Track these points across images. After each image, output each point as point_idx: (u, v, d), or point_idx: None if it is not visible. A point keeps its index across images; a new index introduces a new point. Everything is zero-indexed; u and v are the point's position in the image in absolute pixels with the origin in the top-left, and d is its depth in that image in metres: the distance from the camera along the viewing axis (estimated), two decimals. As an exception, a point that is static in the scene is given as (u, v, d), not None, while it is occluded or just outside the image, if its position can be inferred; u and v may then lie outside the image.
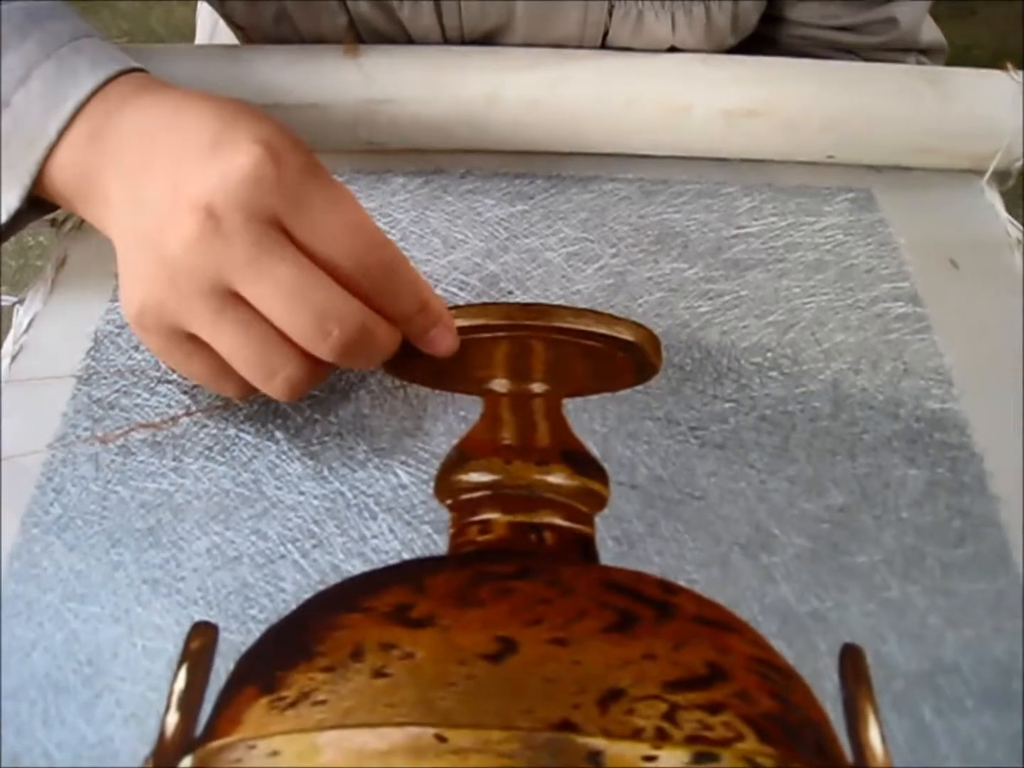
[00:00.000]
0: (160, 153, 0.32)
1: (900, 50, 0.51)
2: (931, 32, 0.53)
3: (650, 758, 0.27)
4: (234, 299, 0.30)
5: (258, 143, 0.30)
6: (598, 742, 0.27)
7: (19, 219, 0.37)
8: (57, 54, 0.35)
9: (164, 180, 0.31)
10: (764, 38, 0.51)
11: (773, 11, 0.50)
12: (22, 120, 0.34)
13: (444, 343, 0.35)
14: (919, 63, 0.53)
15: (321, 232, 0.30)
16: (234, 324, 0.31)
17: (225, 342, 0.31)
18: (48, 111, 0.34)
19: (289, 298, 0.30)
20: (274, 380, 0.32)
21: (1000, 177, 0.46)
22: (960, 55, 0.56)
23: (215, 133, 0.31)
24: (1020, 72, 0.45)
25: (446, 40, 0.47)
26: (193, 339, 0.32)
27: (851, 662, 0.30)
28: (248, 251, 0.29)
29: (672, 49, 0.47)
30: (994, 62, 0.46)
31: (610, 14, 0.46)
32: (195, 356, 0.32)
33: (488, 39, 0.47)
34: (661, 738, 0.27)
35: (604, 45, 0.47)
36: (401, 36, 0.47)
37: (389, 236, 0.42)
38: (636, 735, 0.27)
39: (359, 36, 0.47)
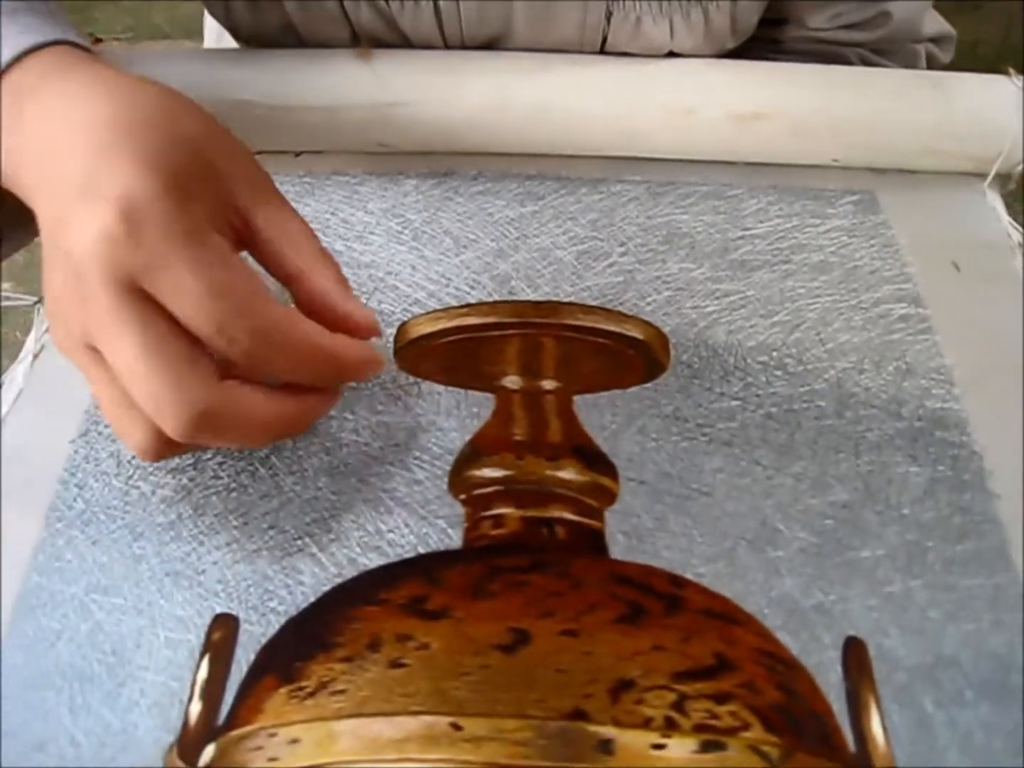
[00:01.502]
0: (53, 170, 0.30)
1: (907, 41, 0.52)
2: (935, 23, 0.54)
3: (659, 746, 0.27)
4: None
5: (118, 200, 0.28)
6: (608, 731, 0.27)
7: (25, 229, 0.37)
8: None
9: (54, 209, 0.30)
10: (767, 40, 0.52)
11: (777, 14, 0.50)
12: None
13: (365, 375, 0.33)
14: (928, 53, 0.53)
15: (179, 298, 0.28)
16: (98, 378, 0.30)
17: (94, 391, 0.31)
18: None
19: (129, 375, 0.28)
20: (126, 440, 0.30)
21: (1002, 180, 0.47)
22: (965, 52, 0.56)
23: (88, 170, 0.29)
24: (1021, 76, 0.46)
25: (447, 47, 0.48)
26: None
27: (854, 655, 0.31)
28: (100, 316, 0.28)
29: (671, 54, 0.48)
30: (999, 59, 0.47)
31: (608, 19, 0.46)
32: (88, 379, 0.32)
33: (488, 46, 0.48)
34: (670, 727, 0.28)
35: (603, 50, 0.48)
36: (403, 44, 0.48)
37: (401, 236, 0.43)
38: (646, 724, 0.28)
39: (362, 45, 0.48)
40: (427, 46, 0.48)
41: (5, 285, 1.31)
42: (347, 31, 0.47)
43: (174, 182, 0.29)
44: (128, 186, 0.28)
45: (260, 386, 0.30)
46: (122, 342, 0.28)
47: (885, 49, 0.52)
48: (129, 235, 0.27)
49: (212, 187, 0.31)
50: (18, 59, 0.33)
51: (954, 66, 0.53)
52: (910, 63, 0.53)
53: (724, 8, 0.46)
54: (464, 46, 0.48)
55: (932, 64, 0.54)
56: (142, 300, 0.28)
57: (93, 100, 0.31)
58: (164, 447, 0.30)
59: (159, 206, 0.28)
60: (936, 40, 0.54)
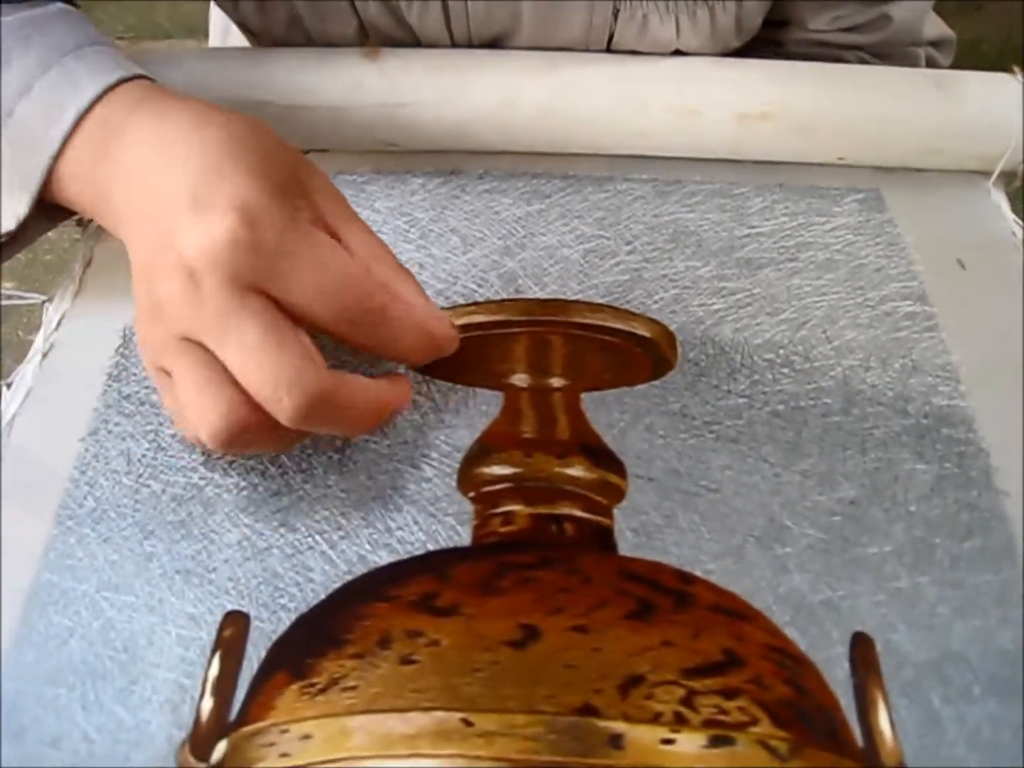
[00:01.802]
0: (151, 195, 0.32)
1: (907, 44, 0.52)
2: (936, 27, 0.54)
3: (668, 741, 0.27)
4: (201, 348, 0.31)
5: (235, 210, 0.30)
6: (618, 726, 0.28)
7: (35, 227, 0.38)
8: (59, 63, 0.36)
9: (156, 226, 0.31)
10: (769, 41, 0.52)
11: (779, 16, 0.51)
12: (27, 130, 0.35)
13: (448, 351, 0.36)
14: (928, 56, 0.54)
15: (301, 293, 0.30)
16: (189, 366, 0.31)
17: (180, 383, 0.32)
18: (50, 121, 0.35)
19: (246, 363, 0.30)
20: (204, 423, 0.31)
21: (1006, 178, 0.47)
22: (968, 51, 0.56)
23: (195, 188, 0.31)
24: (1025, 75, 0.46)
25: (454, 45, 0.48)
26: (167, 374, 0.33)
27: (861, 650, 0.31)
28: (218, 313, 0.30)
29: (677, 52, 0.48)
30: (1001, 57, 0.47)
31: (615, 17, 0.46)
32: (165, 390, 0.34)
33: (495, 43, 0.48)
34: (679, 722, 0.28)
35: (609, 48, 0.48)
36: (410, 40, 0.48)
37: (408, 235, 0.43)
38: (655, 719, 0.28)
39: (370, 42, 0.48)
40: (434, 43, 0.48)
41: (7, 284, 1.31)
42: (354, 26, 0.48)
43: (281, 191, 0.31)
44: (242, 195, 0.30)
45: (359, 375, 0.33)
46: (243, 335, 0.30)
47: (885, 52, 0.52)
48: (250, 239, 0.30)
49: (308, 200, 0.33)
50: (100, 96, 0.35)
51: (955, 66, 0.53)
52: (910, 66, 0.53)
53: (730, 8, 0.46)
54: (471, 43, 0.48)
55: (932, 68, 0.54)
56: (261, 297, 0.30)
57: (189, 128, 0.33)
58: (238, 435, 0.31)
59: (275, 211, 0.30)
60: (936, 44, 0.54)
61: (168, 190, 0.31)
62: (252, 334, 0.30)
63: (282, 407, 0.30)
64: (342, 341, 0.33)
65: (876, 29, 0.51)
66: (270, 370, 0.30)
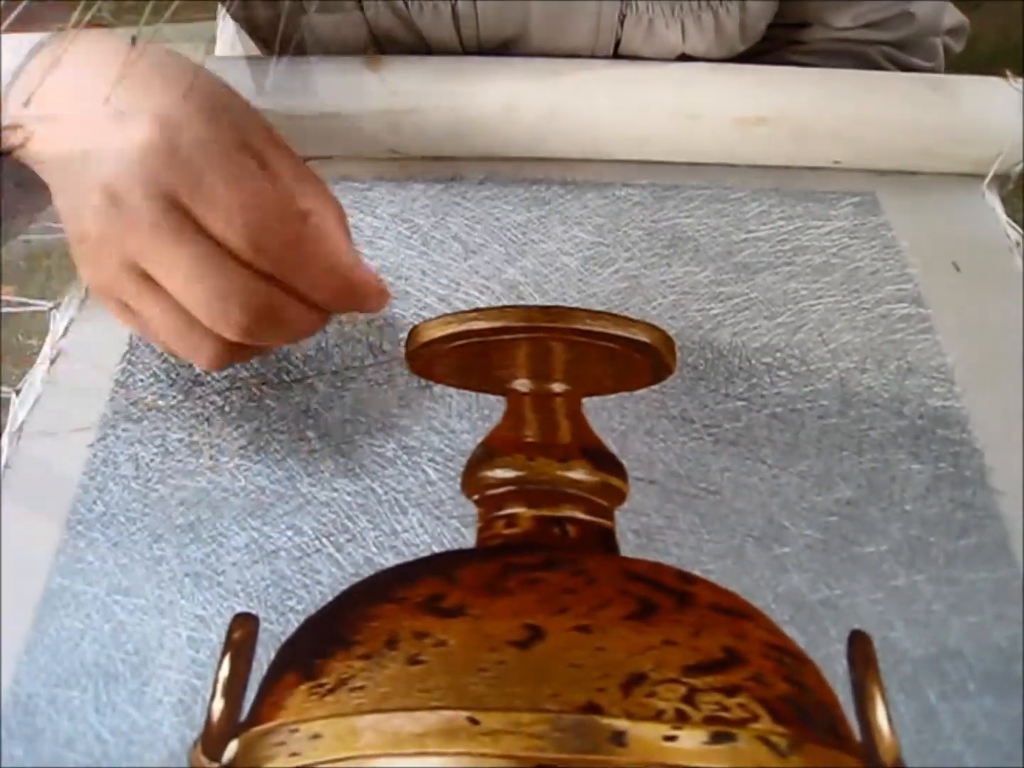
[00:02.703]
0: (69, 121, 0.31)
1: (928, 36, 0.53)
2: (952, 16, 0.54)
3: (670, 738, 0.28)
4: (147, 278, 0.30)
5: (156, 117, 0.29)
6: (621, 723, 0.28)
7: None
8: None
9: (74, 152, 0.31)
10: (792, 42, 0.53)
11: (800, 17, 0.51)
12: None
13: (374, 309, 0.35)
14: (944, 44, 0.54)
15: (217, 210, 0.29)
16: (151, 300, 0.31)
17: (146, 315, 0.32)
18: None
19: (186, 280, 0.29)
20: (196, 358, 0.32)
21: (1000, 181, 0.48)
22: (965, 49, 0.57)
23: (118, 103, 0.30)
24: (1020, 79, 0.47)
25: (464, 49, 0.49)
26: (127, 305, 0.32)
27: (859, 647, 0.32)
28: (148, 231, 0.29)
29: (683, 56, 0.48)
30: (996, 56, 0.47)
31: (622, 22, 0.47)
32: (130, 319, 0.33)
33: (504, 48, 0.49)
34: (681, 719, 0.28)
35: (616, 53, 0.49)
36: (420, 46, 0.49)
37: (410, 241, 0.44)
38: (657, 716, 0.28)
39: (381, 47, 0.49)
40: (443, 48, 0.48)
41: (6, 289, 1.31)
42: (365, 33, 0.48)
43: (210, 112, 0.31)
44: (164, 106, 0.30)
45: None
46: (178, 250, 0.29)
47: (908, 44, 0.52)
48: (168, 146, 0.29)
49: (238, 129, 0.32)
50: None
51: (954, 62, 0.54)
52: (931, 56, 0.53)
53: (734, 12, 0.47)
54: (480, 48, 0.48)
55: (947, 54, 0.55)
56: (184, 215, 0.29)
57: (127, 51, 0.32)
58: (228, 354, 0.32)
59: (195, 122, 0.30)
60: (950, 31, 0.54)
61: (88, 108, 0.31)
62: (186, 251, 0.29)
63: (230, 327, 0.30)
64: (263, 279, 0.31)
65: (900, 26, 0.51)
66: (211, 290, 0.29)
